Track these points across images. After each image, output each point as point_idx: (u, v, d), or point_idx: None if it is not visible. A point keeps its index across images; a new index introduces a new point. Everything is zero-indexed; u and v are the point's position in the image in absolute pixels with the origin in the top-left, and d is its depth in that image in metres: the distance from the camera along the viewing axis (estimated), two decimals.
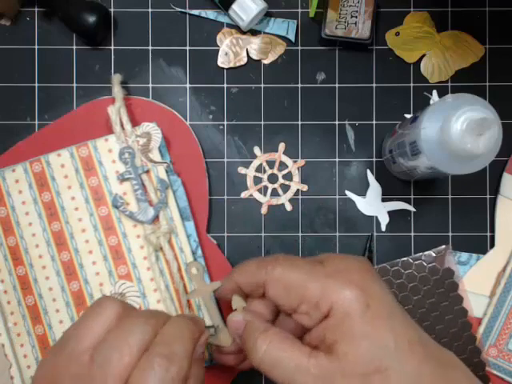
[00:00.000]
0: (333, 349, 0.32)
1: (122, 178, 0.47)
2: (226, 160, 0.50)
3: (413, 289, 0.48)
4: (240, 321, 0.37)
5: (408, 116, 0.50)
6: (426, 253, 0.48)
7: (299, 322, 0.35)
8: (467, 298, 0.48)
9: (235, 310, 0.39)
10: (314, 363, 0.32)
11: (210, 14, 0.50)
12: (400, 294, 0.47)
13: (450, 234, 0.49)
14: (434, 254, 0.48)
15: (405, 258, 0.48)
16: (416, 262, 0.48)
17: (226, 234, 0.49)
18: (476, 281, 0.49)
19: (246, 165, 0.50)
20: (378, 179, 0.50)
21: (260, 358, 0.33)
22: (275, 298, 0.35)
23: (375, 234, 0.50)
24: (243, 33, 0.50)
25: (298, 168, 0.50)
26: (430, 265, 0.48)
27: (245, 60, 0.50)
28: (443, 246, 0.48)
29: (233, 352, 0.40)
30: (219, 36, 0.50)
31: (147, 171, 0.47)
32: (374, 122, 0.50)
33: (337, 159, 0.50)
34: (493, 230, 0.49)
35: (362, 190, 0.50)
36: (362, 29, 0.48)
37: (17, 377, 0.46)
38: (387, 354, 0.31)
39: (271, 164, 0.50)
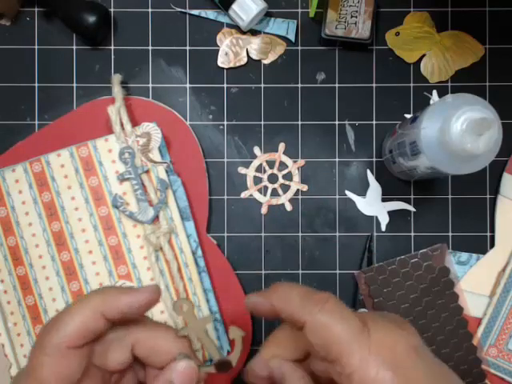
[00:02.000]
0: None
1: (122, 178, 0.47)
2: (225, 160, 0.50)
3: (409, 287, 0.48)
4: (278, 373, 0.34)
5: (408, 116, 0.50)
6: (422, 251, 0.48)
7: (329, 371, 0.33)
8: (463, 295, 0.48)
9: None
10: None
11: (210, 13, 0.50)
12: (397, 292, 0.47)
13: (450, 233, 0.49)
14: (430, 253, 0.48)
15: (402, 257, 0.48)
16: (412, 261, 0.48)
17: (225, 234, 0.49)
18: (476, 281, 0.49)
19: (246, 165, 0.50)
20: (378, 179, 0.50)
21: None
22: (312, 341, 0.32)
23: (375, 233, 0.50)
24: (243, 33, 0.50)
25: (298, 168, 0.50)
26: (425, 263, 0.48)
27: (245, 60, 0.50)
28: (439, 244, 0.48)
29: None
30: (219, 36, 0.50)
31: (147, 171, 0.47)
32: (374, 122, 0.50)
33: (337, 159, 0.50)
34: (493, 230, 0.49)
35: (362, 190, 0.50)
36: (362, 29, 0.48)
37: None
38: None
39: (271, 164, 0.50)
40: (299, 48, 0.50)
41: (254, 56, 0.50)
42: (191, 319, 0.37)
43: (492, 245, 0.49)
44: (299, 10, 0.50)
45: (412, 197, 0.50)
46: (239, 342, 0.36)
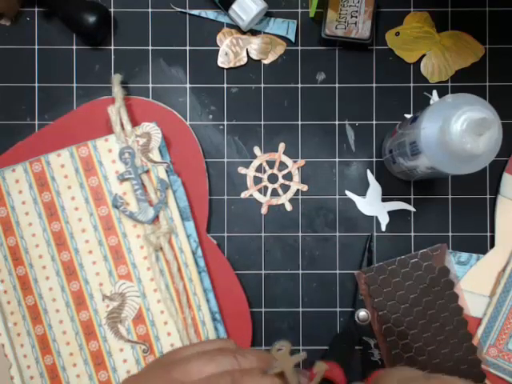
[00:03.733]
0: None
1: (122, 178, 0.47)
2: (225, 160, 0.50)
3: (409, 287, 0.48)
4: None
5: (408, 116, 0.50)
6: (422, 251, 0.48)
7: None
8: (463, 296, 0.48)
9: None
10: None
11: (210, 14, 0.50)
12: (397, 292, 0.47)
13: (450, 234, 0.50)
14: (430, 253, 0.48)
15: (402, 257, 0.48)
16: (412, 261, 0.48)
17: (225, 234, 0.49)
18: (476, 281, 0.49)
19: (246, 165, 0.50)
20: (377, 179, 0.50)
21: None
22: None
23: (375, 234, 0.50)
24: (243, 33, 0.50)
25: (298, 168, 0.50)
26: (425, 263, 0.48)
27: (245, 60, 0.50)
28: (439, 244, 0.48)
29: None
30: (219, 36, 0.50)
31: (147, 171, 0.47)
32: (374, 122, 0.50)
33: (337, 159, 0.50)
34: (493, 230, 0.49)
35: (362, 190, 0.50)
36: (362, 29, 0.48)
37: (17, 377, 0.46)
38: None
39: (271, 164, 0.50)
40: (299, 48, 0.50)
41: (254, 56, 0.50)
42: (284, 356, 0.37)
43: (492, 245, 0.49)
44: (299, 10, 0.50)
45: (412, 197, 0.50)
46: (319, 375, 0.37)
